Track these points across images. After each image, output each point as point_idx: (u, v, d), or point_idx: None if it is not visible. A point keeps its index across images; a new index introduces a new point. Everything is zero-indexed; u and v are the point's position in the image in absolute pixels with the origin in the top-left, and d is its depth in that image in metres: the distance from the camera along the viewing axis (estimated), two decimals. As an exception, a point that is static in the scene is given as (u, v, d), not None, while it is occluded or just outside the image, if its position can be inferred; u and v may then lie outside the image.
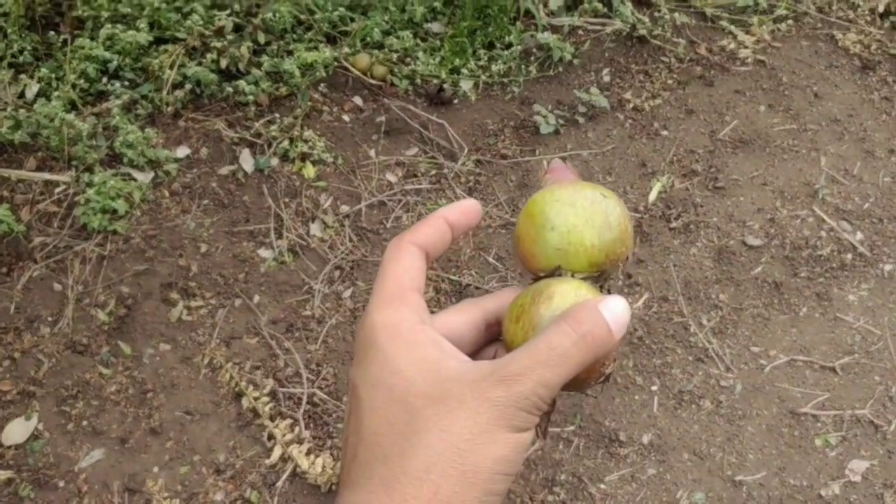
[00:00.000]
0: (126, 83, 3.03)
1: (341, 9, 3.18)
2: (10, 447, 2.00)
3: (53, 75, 3.04)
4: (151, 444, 2.06)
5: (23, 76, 3.11)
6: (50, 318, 2.28)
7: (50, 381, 2.14)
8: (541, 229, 0.56)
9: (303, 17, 3.17)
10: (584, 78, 3.16)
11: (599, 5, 3.30)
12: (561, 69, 3.16)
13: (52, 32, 3.17)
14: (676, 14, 3.28)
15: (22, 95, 3.07)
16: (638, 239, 2.67)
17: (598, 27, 3.28)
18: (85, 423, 2.07)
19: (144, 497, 1.96)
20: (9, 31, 3.15)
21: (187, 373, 2.21)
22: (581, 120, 2.96)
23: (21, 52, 3.11)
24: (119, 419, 2.09)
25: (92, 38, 3.11)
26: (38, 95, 3.06)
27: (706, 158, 2.89)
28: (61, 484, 1.97)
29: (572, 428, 2.21)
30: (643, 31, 3.24)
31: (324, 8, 3.18)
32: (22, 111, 2.84)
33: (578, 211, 0.55)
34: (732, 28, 3.32)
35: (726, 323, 2.49)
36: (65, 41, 3.13)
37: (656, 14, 3.33)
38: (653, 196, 2.77)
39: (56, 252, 2.50)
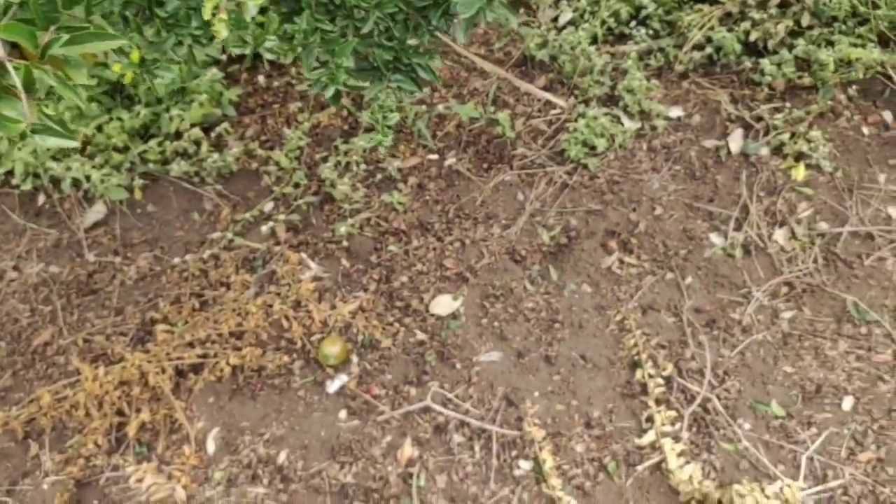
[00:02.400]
0: (650, 32, 3.04)
1: (910, 8, 2.72)
2: (433, 315, 2.24)
3: (588, 8, 3.19)
4: (541, 370, 2.13)
5: (563, 2, 3.33)
6: (504, 221, 2.47)
7: (483, 275, 2.33)
8: None
9: (862, 8, 2.79)
10: None
11: None
12: None
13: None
14: None
15: (556, 20, 3.30)
16: None
17: None
18: (496, 324, 2.22)
19: (518, 413, 2.05)
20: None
21: (597, 321, 2.21)
22: None
23: (571, -21, 3.31)
24: (524, 334, 2.19)
25: (638, -20, 3.17)
26: (568, 23, 3.25)
27: None
28: (458, 366, 2.15)
29: None
30: None
31: (891, 4, 2.76)
32: (552, 33, 3.04)
33: None
34: None
35: None
36: (610, -22, 3.25)
37: None
38: None
39: (530, 166, 2.67)
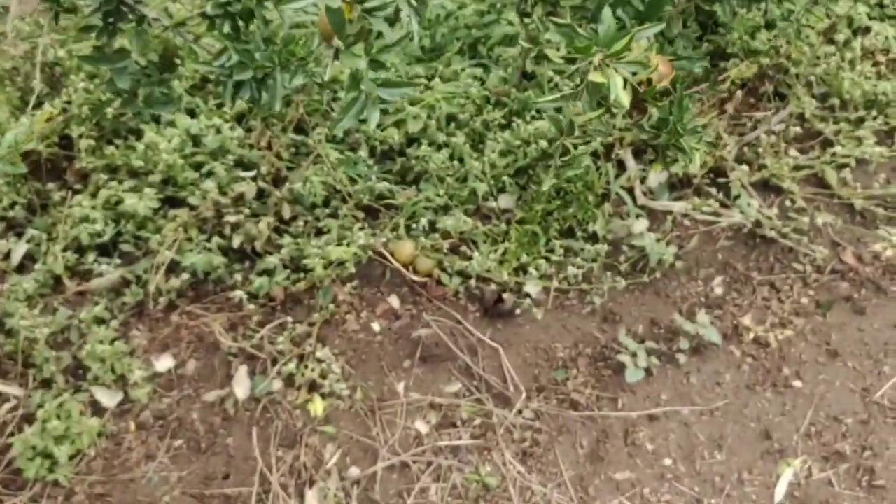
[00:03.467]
0: (121, 258, 2.48)
1: (386, 182, 2.56)
2: None
3: (45, 235, 2.54)
4: None
5: (11, 235, 2.63)
6: None
7: None
8: None
9: (339, 186, 2.58)
10: (689, 288, 2.43)
11: (714, 192, 2.57)
12: (658, 274, 2.44)
13: (50, 185, 2.68)
14: (815, 208, 2.52)
15: (7, 257, 2.58)
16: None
17: (711, 217, 2.55)
18: None
19: None
20: (0, 182, 2.68)
21: None
22: (682, 358, 2.22)
23: (13, 205, 2.63)
24: None
25: (93, 196, 2.60)
26: (25, 258, 2.57)
27: (857, 433, 2.08)
28: None
29: None
30: (771, 232, 2.48)
31: (366, 177, 2.58)
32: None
33: None
34: (890, 230, 2.52)
35: None
36: (64, 197, 2.64)
37: (787, 204, 2.57)
38: (780, 491, 1.98)
39: (-23, 508, 1.93)
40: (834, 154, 2.65)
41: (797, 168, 2.65)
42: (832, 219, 2.51)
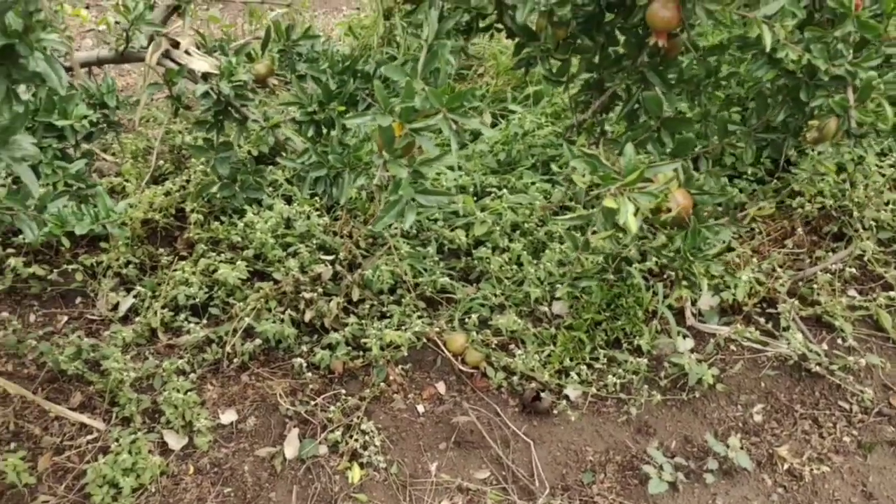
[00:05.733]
0: (208, 320, 2.80)
1: (448, 278, 2.78)
2: None
3: (150, 293, 2.89)
4: None
5: (122, 289, 3.00)
6: None
7: None
8: None
9: (405, 277, 2.82)
10: (727, 411, 2.48)
11: (762, 322, 2.64)
12: (698, 394, 2.51)
13: (161, 250, 3.07)
14: (867, 349, 2.54)
15: (115, 308, 2.95)
16: None
17: (757, 346, 2.61)
18: None
19: None
20: (120, 243, 3.08)
21: None
22: (710, 478, 2.26)
23: (127, 264, 3.01)
24: None
25: (195, 263, 2.96)
26: (129, 310, 2.93)
27: (881, 581, 2.05)
28: None
29: None
30: (817, 367, 2.52)
31: (431, 271, 2.82)
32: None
33: None
34: (945, 380, 2.50)
35: None
36: (171, 262, 3.01)
37: (838, 342, 2.61)
38: None
39: (49, 522, 2.18)
40: (891, 298, 2.68)
41: (852, 308, 2.69)
42: (881, 361, 2.52)
